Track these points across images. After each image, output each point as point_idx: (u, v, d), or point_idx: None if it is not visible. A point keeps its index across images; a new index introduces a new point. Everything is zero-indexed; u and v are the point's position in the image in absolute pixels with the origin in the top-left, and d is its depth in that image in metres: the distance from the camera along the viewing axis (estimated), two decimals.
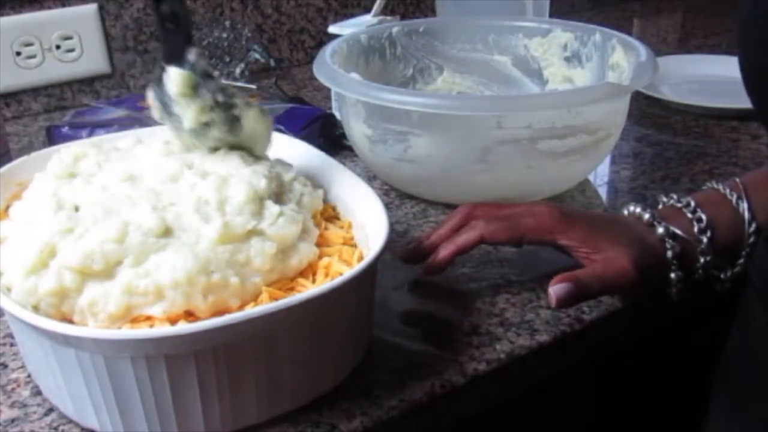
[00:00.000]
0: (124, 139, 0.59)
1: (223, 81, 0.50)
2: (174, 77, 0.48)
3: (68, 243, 0.44)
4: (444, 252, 0.55)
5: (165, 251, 0.44)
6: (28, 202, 0.50)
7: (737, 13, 0.45)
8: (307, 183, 0.54)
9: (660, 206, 0.58)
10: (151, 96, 0.51)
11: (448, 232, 0.57)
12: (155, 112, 0.51)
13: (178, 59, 0.48)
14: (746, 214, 0.55)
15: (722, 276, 0.57)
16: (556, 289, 0.52)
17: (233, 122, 0.50)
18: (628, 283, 0.53)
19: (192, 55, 0.48)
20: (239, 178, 0.50)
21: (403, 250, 0.59)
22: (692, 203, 0.56)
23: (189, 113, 0.49)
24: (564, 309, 0.55)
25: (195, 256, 0.44)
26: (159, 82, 0.50)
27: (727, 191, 0.57)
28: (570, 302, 0.52)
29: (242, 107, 0.50)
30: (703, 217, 0.55)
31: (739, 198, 0.56)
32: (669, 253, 0.54)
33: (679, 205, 0.57)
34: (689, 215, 0.56)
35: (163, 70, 0.49)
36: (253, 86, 1.00)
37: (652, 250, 0.54)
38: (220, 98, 0.49)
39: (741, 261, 0.56)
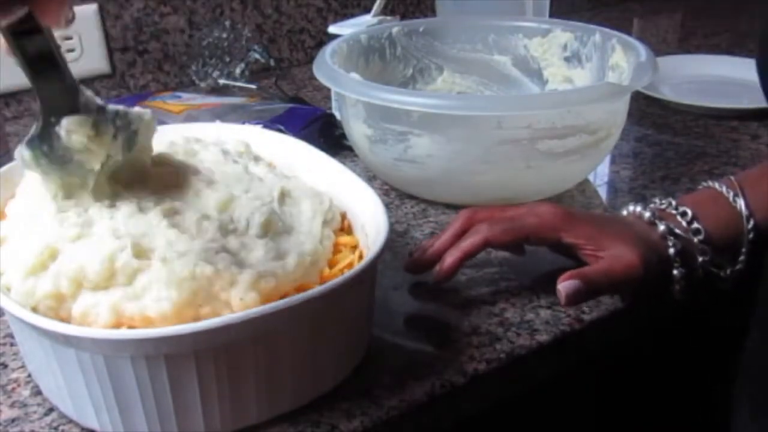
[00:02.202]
0: None
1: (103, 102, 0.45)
2: (73, 127, 0.43)
3: (68, 247, 0.44)
4: (450, 259, 0.55)
5: (149, 271, 0.43)
6: (23, 201, 0.50)
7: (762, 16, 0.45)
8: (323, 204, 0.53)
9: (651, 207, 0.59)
10: (28, 156, 0.44)
11: (451, 238, 0.57)
12: (38, 171, 0.45)
13: (61, 104, 0.43)
14: (744, 211, 0.56)
15: (722, 274, 0.57)
16: (565, 286, 0.52)
17: (131, 139, 0.47)
18: (635, 279, 0.53)
19: (81, 95, 0.43)
20: (246, 199, 0.49)
21: (407, 261, 0.59)
22: (673, 203, 0.57)
23: (96, 153, 0.45)
24: (572, 306, 0.55)
25: (179, 287, 0.42)
26: (41, 138, 0.44)
27: (724, 189, 0.57)
28: (579, 299, 0.52)
29: (136, 120, 0.47)
30: (689, 212, 0.56)
31: (735, 195, 0.57)
32: (671, 251, 0.55)
33: (663, 206, 0.57)
34: (678, 218, 0.56)
35: (45, 124, 0.43)
36: (253, 86, 1.00)
37: (655, 247, 0.55)
38: (119, 122, 0.45)
39: (741, 258, 0.56)
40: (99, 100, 0.45)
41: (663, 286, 0.56)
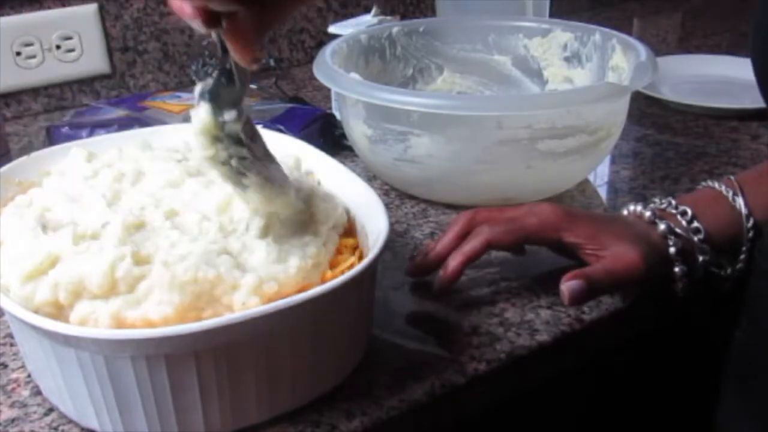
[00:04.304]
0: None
1: (251, 150, 0.46)
2: (201, 117, 0.43)
3: (69, 255, 0.44)
4: (453, 263, 0.55)
5: (150, 276, 0.43)
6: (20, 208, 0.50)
7: (753, 14, 0.46)
8: (328, 201, 0.53)
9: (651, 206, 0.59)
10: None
11: (452, 241, 0.57)
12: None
13: (220, 99, 0.44)
14: (743, 210, 0.56)
15: (723, 274, 0.57)
16: (568, 286, 0.52)
17: (239, 185, 0.46)
18: (638, 277, 0.53)
19: (230, 115, 0.44)
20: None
21: (410, 265, 0.59)
22: (673, 202, 0.57)
23: (201, 150, 0.45)
24: (576, 306, 0.55)
25: (181, 290, 0.42)
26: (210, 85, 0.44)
27: (723, 188, 0.58)
28: (582, 299, 0.52)
29: (254, 182, 0.46)
30: (688, 211, 0.56)
31: (735, 194, 0.57)
32: (672, 250, 0.55)
33: (663, 205, 0.57)
34: (678, 217, 0.56)
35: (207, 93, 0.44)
36: (253, 86, 1.00)
37: (656, 246, 0.55)
38: (234, 163, 0.45)
39: (742, 257, 0.57)
40: (243, 137, 0.45)
41: (664, 285, 0.56)
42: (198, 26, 0.40)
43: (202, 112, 0.43)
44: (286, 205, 0.48)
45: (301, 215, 0.50)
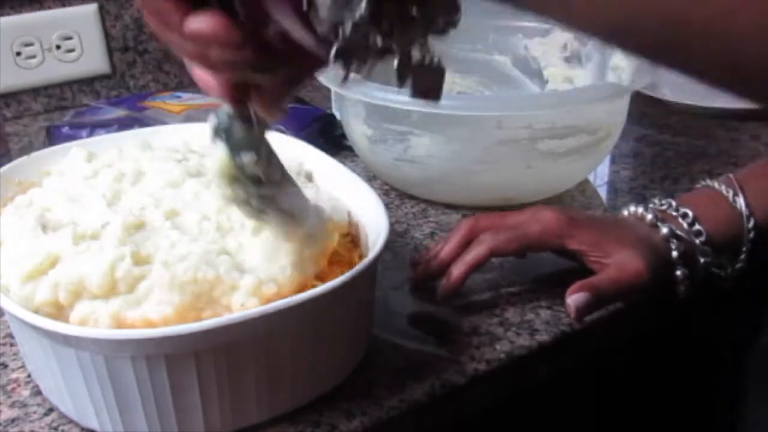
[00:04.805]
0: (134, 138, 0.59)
1: (269, 181, 0.44)
2: (219, 157, 0.42)
3: (69, 255, 0.44)
4: (456, 273, 0.55)
5: (150, 277, 0.43)
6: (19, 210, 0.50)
7: None
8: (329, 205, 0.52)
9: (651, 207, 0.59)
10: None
11: (455, 248, 0.56)
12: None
13: (236, 139, 0.42)
14: (744, 210, 0.56)
15: (723, 274, 0.57)
16: (574, 299, 0.52)
17: (261, 220, 0.46)
18: (643, 286, 0.53)
19: (248, 157, 0.42)
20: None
21: (412, 274, 0.59)
22: (673, 204, 0.57)
23: (220, 190, 0.44)
24: (583, 318, 0.54)
25: (181, 290, 0.42)
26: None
27: (723, 188, 0.57)
28: (589, 311, 0.52)
29: (274, 220, 0.45)
30: (690, 213, 0.56)
31: (735, 194, 0.57)
32: (674, 253, 0.54)
33: (663, 207, 0.57)
34: (679, 219, 0.56)
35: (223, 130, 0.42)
36: None
37: (658, 250, 0.54)
38: (254, 203, 0.44)
39: (742, 257, 0.57)
40: (261, 175, 0.43)
41: (666, 287, 0.55)
42: (226, 104, 0.39)
43: (219, 152, 0.42)
44: (304, 236, 0.47)
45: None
